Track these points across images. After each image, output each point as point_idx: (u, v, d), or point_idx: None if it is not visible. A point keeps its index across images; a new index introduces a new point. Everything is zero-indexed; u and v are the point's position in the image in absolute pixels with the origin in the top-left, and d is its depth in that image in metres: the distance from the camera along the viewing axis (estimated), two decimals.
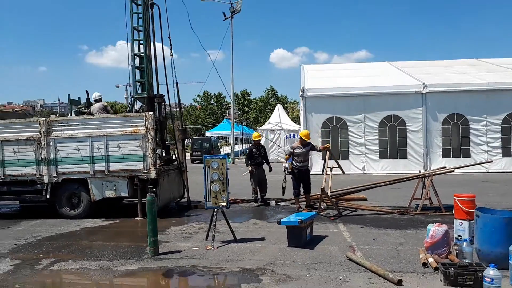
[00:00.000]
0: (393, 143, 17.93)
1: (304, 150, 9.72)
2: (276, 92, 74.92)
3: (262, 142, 11.31)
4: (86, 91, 10.17)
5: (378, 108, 17.87)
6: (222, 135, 36.21)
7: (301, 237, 6.37)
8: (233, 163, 26.16)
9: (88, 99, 10.20)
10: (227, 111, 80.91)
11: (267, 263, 5.60)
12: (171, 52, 10.16)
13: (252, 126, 57.58)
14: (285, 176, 10.06)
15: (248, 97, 77.15)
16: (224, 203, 6.65)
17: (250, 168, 10.33)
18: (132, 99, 10.08)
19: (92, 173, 8.96)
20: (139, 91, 10.08)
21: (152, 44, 10.13)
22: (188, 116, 78.61)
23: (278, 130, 26.61)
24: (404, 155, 17.76)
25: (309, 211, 8.78)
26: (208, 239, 6.80)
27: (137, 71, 10.08)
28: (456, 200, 6.37)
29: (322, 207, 9.27)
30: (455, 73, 19.73)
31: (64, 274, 5.53)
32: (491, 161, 11.86)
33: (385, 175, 15.76)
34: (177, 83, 10.08)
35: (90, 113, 9.97)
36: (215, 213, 6.72)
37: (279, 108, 29.42)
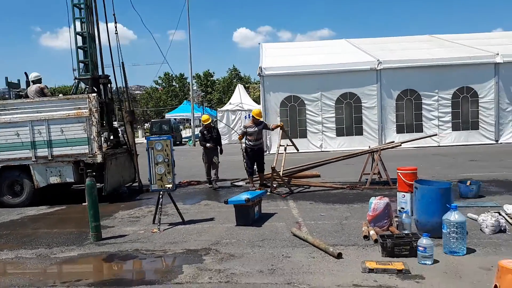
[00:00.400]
0: (349, 120, 18.22)
1: (256, 129, 9.64)
2: (239, 72, 74.25)
3: (222, 125, 11.22)
4: (25, 73, 9.58)
5: (335, 86, 18.04)
6: (183, 117, 35.64)
7: (248, 216, 6.34)
8: (194, 145, 25.87)
9: (27, 81, 9.62)
10: (189, 92, 79.63)
11: (212, 243, 5.54)
12: (116, 30, 9.70)
13: (215, 107, 57.09)
14: (243, 156, 9.94)
15: (211, 78, 76.01)
16: (170, 185, 6.50)
17: (208, 145, 9.89)
18: (76, 80, 9.60)
19: (34, 159, 8.53)
20: (83, 72, 9.61)
21: (95, 22, 9.62)
22: (149, 98, 76.74)
23: (240, 111, 26.39)
24: (360, 132, 18.11)
25: (262, 190, 8.80)
26: (155, 222, 6.65)
27: (81, 51, 9.59)
28: (399, 173, 6.51)
29: (274, 185, 9.28)
30: (409, 49, 20.13)
31: None
32: (436, 134, 12.23)
33: (342, 152, 15.94)
34: (122, 63, 9.71)
35: (26, 96, 9.38)
36: (161, 196, 6.56)
37: (239, 88, 29.16)
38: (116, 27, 9.71)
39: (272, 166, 8.92)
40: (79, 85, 9.66)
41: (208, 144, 9.84)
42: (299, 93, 18.20)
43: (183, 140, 31.11)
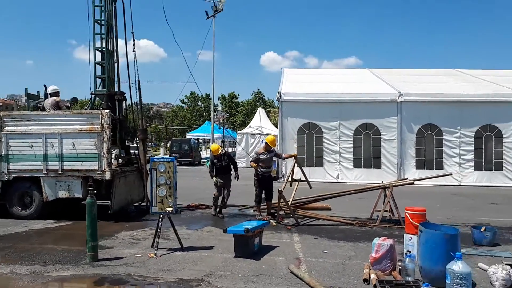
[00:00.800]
0: (368, 152, 17.86)
1: (268, 156, 9.56)
2: (263, 95, 74.76)
3: (240, 148, 10.85)
4: (44, 85, 9.82)
5: (354, 116, 17.80)
6: (204, 137, 35.87)
7: (247, 247, 6.17)
8: None
9: (46, 93, 9.85)
10: (214, 113, 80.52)
11: (206, 274, 5.38)
12: (133, 48, 9.87)
13: (238, 129, 57.22)
14: (255, 184, 9.76)
15: (236, 100, 76.75)
16: (170, 209, 6.42)
17: (214, 180, 9.49)
18: (92, 96, 9.75)
19: (45, 172, 8.64)
20: (100, 88, 9.78)
21: (115, 39, 9.87)
22: (175, 116, 77.97)
23: (259, 134, 26.41)
24: (378, 165, 17.71)
25: (268, 219, 8.62)
26: (153, 246, 6.54)
27: (98, 67, 9.78)
28: (407, 214, 6.25)
29: (281, 213, 9.09)
30: (432, 82, 19.80)
31: None
32: (451, 174, 11.85)
33: (359, 184, 15.66)
34: (138, 81, 9.84)
35: (43, 108, 9.58)
36: (160, 219, 6.48)
37: (260, 112, 29.29)
38: (134, 44, 9.89)
39: (280, 189, 8.73)
40: (95, 100, 9.79)
41: (214, 179, 9.45)
42: (317, 121, 18.03)
43: (202, 160, 31.22)
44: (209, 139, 42.20)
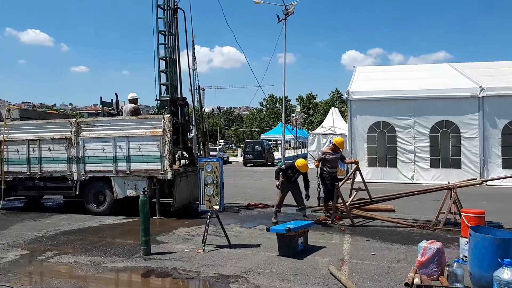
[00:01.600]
0: (446, 151, 16.65)
1: (334, 156, 9.43)
2: (341, 95, 73.11)
3: (312, 148, 9.94)
4: (115, 93, 10.76)
5: (430, 113, 16.71)
6: (276, 138, 36.14)
7: (290, 246, 6.17)
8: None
9: (117, 101, 10.76)
10: (292, 115, 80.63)
11: (245, 271, 5.50)
12: (193, 55, 10.40)
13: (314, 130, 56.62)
14: (318, 184, 9.64)
15: (314, 100, 76.08)
16: (217, 207, 6.65)
17: (277, 183, 8.78)
18: (158, 102, 10.42)
19: (115, 172, 9.44)
20: (165, 94, 10.42)
21: (176, 47, 10.44)
22: (254, 119, 79.67)
23: (331, 135, 25.92)
24: (457, 165, 16.43)
25: (323, 220, 8.51)
26: (203, 242, 6.82)
27: (162, 75, 10.43)
28: (462, 216, 5.80)
29: (338, 215, 8.89)
30: None
31: (56, 266, 5.91)
32: None
33: (437, 185, 14.72)
34: (199, 87, 10.30)
35: (121, 113, 10.47)
36: (208, 217, 6.74)
37: (333, 111, 28.71)
38: (194, 52, 10.42)
39: (337, 186, 8.53)
40: (161, 106, 10.45)
41: (277, 182, 8.75)
42: (389, 119, 17.26)
43: (275, 161, 31.54)
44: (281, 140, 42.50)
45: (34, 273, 5.68)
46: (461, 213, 5.84)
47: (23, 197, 11.83)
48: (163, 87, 10.46)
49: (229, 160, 36.00)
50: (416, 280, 4.89)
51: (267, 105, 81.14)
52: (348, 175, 9.49)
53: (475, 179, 8.91)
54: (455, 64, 21.37)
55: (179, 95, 10.39)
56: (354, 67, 23.20)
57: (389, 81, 18.88)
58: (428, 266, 5.12)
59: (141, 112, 10.57)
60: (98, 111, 11.44)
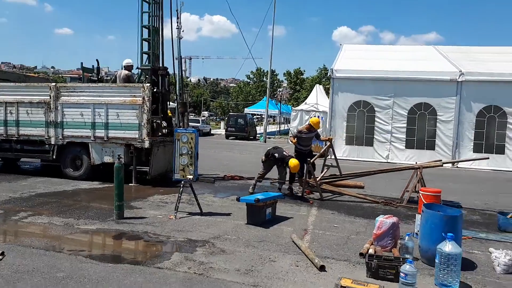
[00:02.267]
0: (422, 132, 17.13)
1: (308, 135, 9.72)
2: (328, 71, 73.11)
3: (294, 124, 10.54)
4: (97, 60, 10.71)
5: (409, 95, 17.10)
6: (260, 113, 36.31)
7: (258, 216, 6.47)
8: (265, 141, 26.32)
9: (98, 67, 10.73)
10: (279, 89, 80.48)
11: (213, 237, 5.79)
12: (177, 25, 10.37)
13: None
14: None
15: (301, 76, 75.85)
16: (191, 176, 6.88)
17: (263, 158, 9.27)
18: (139, 70, 10.43)
19: (93, 138, 9.55)
20: (147, 63, 10.43)
21: (160, 16, 10.38)
22: (240, 92, 79.33)
23: (314, 111, 26.24)
24: (431, 146, 16.96)
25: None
26: (175, 209, 7.07)
27: (145, 43, 10.40)
28: (420, 194, 6.16)
29: (308, 188, 9.24)
30: (503, 61, 18.22)
31: (30, 225, 6.10)
32: (487, 158, 11.15)
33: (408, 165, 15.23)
34: (180, 57, 10.31)
35: (115, 79, 10.44)
36: (181, 185, 6.97)
37: (317, 88, 28.94)
38: (178, 22, 10.40)
39: (309, 162, 8.86)
40: (142, 74, 10.46)
41: (263, 158, 9.28)
42: (370, 99, 17.57)
43: (257, 135, 31.82)
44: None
45: (8, 231, 5.87)
46: (420, 191, 6.20)
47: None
48: (145, 56, 10.45)
49: (212, 132, 36.11)
50: (371, 251, 5.25)
51: (254, 79, 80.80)
52: (321, 151, 9.78)
53: (440, 160, 9.29)
54: (441, 47, 21.65)
55: (161, 65, 10.41)
56: (340, 44, 23.31)
57: (373, 61, 19.08)
58: (383, 238, 5.49)
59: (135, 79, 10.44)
60: (80, 76, 11.40)
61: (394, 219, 5.58)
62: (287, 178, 9.30)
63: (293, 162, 8.88)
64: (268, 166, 9.29)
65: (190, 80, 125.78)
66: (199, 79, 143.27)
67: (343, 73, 17.73)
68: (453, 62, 17.81)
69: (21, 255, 4.78)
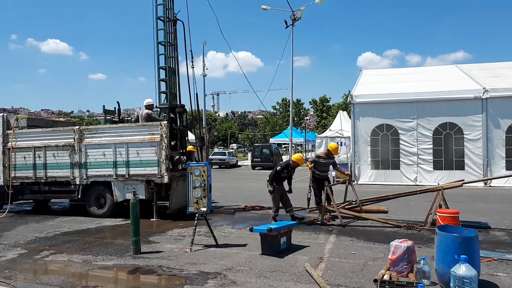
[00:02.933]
0: (449, 153, 16.67)
1: (326, 161, 9.69)
2: None
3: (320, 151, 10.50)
4: (117, 102, 11.18)
5: (432, 115, 16.77)
6: (285, 142, 36.36)
7: (273, 245, 6.42)
8: None
9: (119, 109, 11.19)
10: (305, 118, 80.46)
11: (226, 268, 5.77)
12: (192, 64, 10.75)
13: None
14: (310, 186, 9.95)
15: (327, 103, 75.93)
16: (205, 209, 6.95)
17: (270, 188, 9.03)
18: (158, 109, 10.80)
19: (115, 177, 9.84)
20: (164, 102, 10.80)
21: (175, 57, 10.81)
22: (267, 123, 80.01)
23: (339, 138, 26.06)
24: (461, 166, 16.41)
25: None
26: (194, 242, 7.12)
27: (162, 83, 10.81)
28: (438, 216, 5.96)
29: (329, 216, 9.10)
30: None
31: (50, 264, 6.29)
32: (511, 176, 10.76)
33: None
34: (196, 94, 10.66)
35: (137, 118, 10.85)
36: (196, 218, 7.05)
37: (341, 114, 28.81)
38: (192, 61, 10.75)
39: (327, 186, 8.78)
40: (161, 113, 10.83)
41: (270, 188, 9.01)
42: (392, 122, 17.35)
43: None
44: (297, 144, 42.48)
45: (28, 270, 6.05)
46: (437, 213, 6.01)
47: (31, 201, 12.36)
48: (163, 95, 10.84)
49: (239, 164, 36.32)
50: (386, 277, 5.10)
51: (280, 109, 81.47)
52: (340, 181, 9.65)
53: (463, 180, 8.98)
54: (463, 66, 21.32)
55: (178, 103, 10.74)
56: (360, 70, 23.32)
57: (393, 84, 18.95)
58: (398, 263, 5.33)
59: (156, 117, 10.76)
60: (124, 118, 11.95)
61: (409, 243, 5.42)
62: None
63: (296, 155, 9.40)
64: (276, 194, 9.08)
65: (219, 114, 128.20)
66: (227, 113, 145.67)
67: (363, 98, 17.66)
68: (476, 80, 17.43)
69: None
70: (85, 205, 10.33)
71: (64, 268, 6.04)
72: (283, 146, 52.65)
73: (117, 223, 9.47)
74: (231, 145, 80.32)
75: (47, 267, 6.16)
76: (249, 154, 40.35)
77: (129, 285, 5.37)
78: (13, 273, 5.81)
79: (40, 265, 6.27)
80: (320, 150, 26.09)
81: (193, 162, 8.92)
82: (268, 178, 9.20)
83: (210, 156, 34.52)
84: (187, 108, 10.82)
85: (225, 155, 33.42)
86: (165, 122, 9.57)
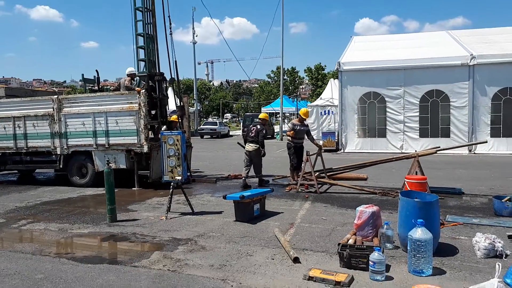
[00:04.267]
0: (435, 120, 16.75)
1: (302, 128, 9.82)
2: None
3: (311, 121, 10.74)
4: (96, 70, 11.02)
5: (420, 83, 16.76)
6: (276, 111, 36.22)
7: (245, 212, 6.53)
8: (281, 139, 26.27)
9: (98, 78, 11.05)
10: (301, 86, 79.90)
11: (198, 235, 5.88)
12: (170, 31, 10.53)
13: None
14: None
15: (322, 71, 75.21)
16: (180, 177, 7.00)
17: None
18: (138, 77, 10.67)
19: (95, 146, 9.84)
20: (143, 69, 10.66)
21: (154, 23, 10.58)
22: (262, 92, 79.51)
23: (329, 106, 25.98)
24: (447, 134, 16.54)
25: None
26: (171, 210, 7.21)
27: (141, 51, 10.64)
28: (405, 182, 6.05)
29: (306, 182, 9.22)
30: None
31: (25, 232, 6.37)
32: (486, 142, 10.95)
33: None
34: (175, 61, 10.50)
35: (119, 85, 10.72)
36: (171, 186, 7.11)
37: (331, 83, 28.56)
38: (171, 27, 10.53)
39: (307, 155, 8.90)
40: (140, 82, 10.70)
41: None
42: (380, 89, 17.30)
43: (274, 134, 31.79)
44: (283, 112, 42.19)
45: (4, 238, 6.14)
46: (405, 179, 6.10)
47: (16, 171, 12.39)
48: (142, 63, 10.69)
49: (230, 133, 36.32)
50: (351, 241, 5.22)
51: (275, 77, 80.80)
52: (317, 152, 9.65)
53: (439, 147, 9.05)
54: (454, 32, 21.09)
55: (157, 71, 10.61)
56: (351, 37, 23.00)
57: (382, 51, 18.77)
58: (364, 228, 5.44)
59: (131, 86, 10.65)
60: (106, 86, 11.81)
61: (374, 208, 5.52)
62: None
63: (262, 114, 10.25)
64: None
65: (213, 83, 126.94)
66: (221, 82, 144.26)
67: (351, 65, 17.54)
68: (465, 46, 17.30)
69: (9, 260, 5.02)
70: (67, 175, 10.36)
71: (39, 236, 6.13)
72: (277, 115, 52.61)
73: (99, 192, 9.53)
74: (225, 114, 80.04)
75: (22, 235, 6.25)
76: (241, 123, 40.31)
77: (100, 252, 5.46)
78: None
79: (15, 233, 6.36)
80: (311, 120, 26.12)
81: (166, 131, 8.89)
82: (257, 141, 9.65)
83: (201, 126, 34.49)
84: (167, 76, 10.68)
85: (216, 125, 33.36)
86: (143, 90, 9.48)
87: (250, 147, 9.70)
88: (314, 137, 11.02)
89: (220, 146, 24.80)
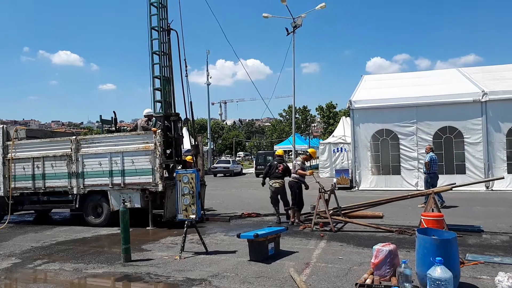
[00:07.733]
0: (450, 157, 16.59)
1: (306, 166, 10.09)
2: None
3: (324, 158, 10.98)
4: (114, 111, 11.35)
5: (432, 119, 16.78)
6: (289, 148, 36.34)
7: (260, 251, 6.46)
8: None
9: (115, 119, 11.36)
10: (313, 125, 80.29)
11: (212, 275, 5.82)
12: (186, 73, 10.86)
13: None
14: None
15: (334, 110, 75.83)
16: (194, 216, 7.02)
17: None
18: (154, 118, 10.93)
19: (111, 186, 9.97)
20: (160, 111, 10.94)
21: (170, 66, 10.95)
22: (274, 130, 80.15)
23: (342, 144, 26.00)
24: (462, 170, 16.32)
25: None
26: (185, 250, 7.18)
27: (158, 92, 10.96)
28: (422, 220, 5.97)
29: (321, 221, 9.12)
30: None
31: (41, 273, 6.38)
32: (503, 178, 10.82)
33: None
34: (190, 102, 10.77)
35: (136, 127, 11.01)
36: (185, 225, 7.11)
37: (343, 120, 28.74)
38: (186, 70, 10.87)
39: (320, 191, 8.87)
40: (156, 122, 10.94)
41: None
42: (392, 127, 17.33)
43: None
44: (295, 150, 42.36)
45: (19, 279, 6.17)
46: (421, 216, 6.01)
47: (33, 211, 12.54)
48: (158, 104, 10.98)
49: (244, 171, 36.35)
50: (368, 281, 5.12)
51: (287, 116, 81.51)
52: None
53: (455, 183, 8.94)
54: (464, 69, 21.29)
55: (173, 111, 10.87)
56: (361, 76, 23.34)
57: (392, 89, 18.98)
58: (381, 267, 5.32)
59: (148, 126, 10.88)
60: (122, 127, 12.17)
61: (391, 246, 5.42)
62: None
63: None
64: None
65: (226, 123, 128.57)
66: (234, 121, 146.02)
67: (362, 103, 17.69)
68: (476, 83, 17.39)
69: None
70: (82, 214, 10.44)
71: (54, 276, 6.14)
72: (289, 152, 52.71)
73: (113, 232, 9.55)
74: (238, 153, 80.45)
75: (37, 276, 6.26)
76: (254, 161, 40.42)
77: None
78: (3, 282, 5.92)
79: (30, 274, 6.37)
80: (324, 157, 26.12)
81: (182, 169, 9.01)
82: (283, 177, 10.08)
83: (215, 164, 34.65)
84: (182, 116, 10.90)
85: (230, 163, 33.50)
86: (159, 130, 9.69)
87: (277, 183, 9.98)
88: (328, 174, 11.18)
89: (233, 184, 24.78)
